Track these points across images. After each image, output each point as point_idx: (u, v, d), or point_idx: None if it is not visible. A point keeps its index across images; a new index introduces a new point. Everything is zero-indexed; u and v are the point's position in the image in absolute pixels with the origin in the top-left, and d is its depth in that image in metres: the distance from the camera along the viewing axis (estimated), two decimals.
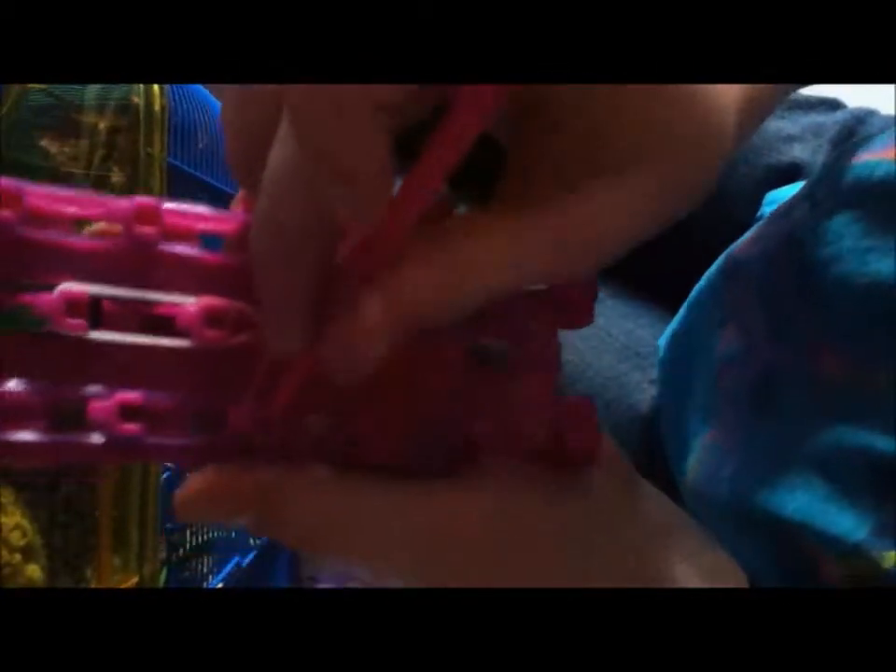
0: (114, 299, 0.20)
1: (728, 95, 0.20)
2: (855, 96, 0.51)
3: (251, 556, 0.92)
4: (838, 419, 0.26)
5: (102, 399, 0.19)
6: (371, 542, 0.21)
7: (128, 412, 0.19)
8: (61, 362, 0.19)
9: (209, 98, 0.75)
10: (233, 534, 0.88)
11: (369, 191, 0.17)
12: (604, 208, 0.19)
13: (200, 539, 0.79)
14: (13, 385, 0.19)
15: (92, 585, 0.56)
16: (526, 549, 0.22)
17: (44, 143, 0.59)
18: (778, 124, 0.49)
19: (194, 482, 0.20)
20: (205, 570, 0.81)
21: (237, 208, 0.22)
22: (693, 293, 0.36)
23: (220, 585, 0.82)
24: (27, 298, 0.19)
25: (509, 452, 0.22)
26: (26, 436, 0.18)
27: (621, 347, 0.45)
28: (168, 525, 0.69)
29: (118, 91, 0.61)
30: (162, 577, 0.66)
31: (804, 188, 0.30)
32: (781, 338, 0.29)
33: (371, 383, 0.19)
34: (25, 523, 0.52)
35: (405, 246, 0.18)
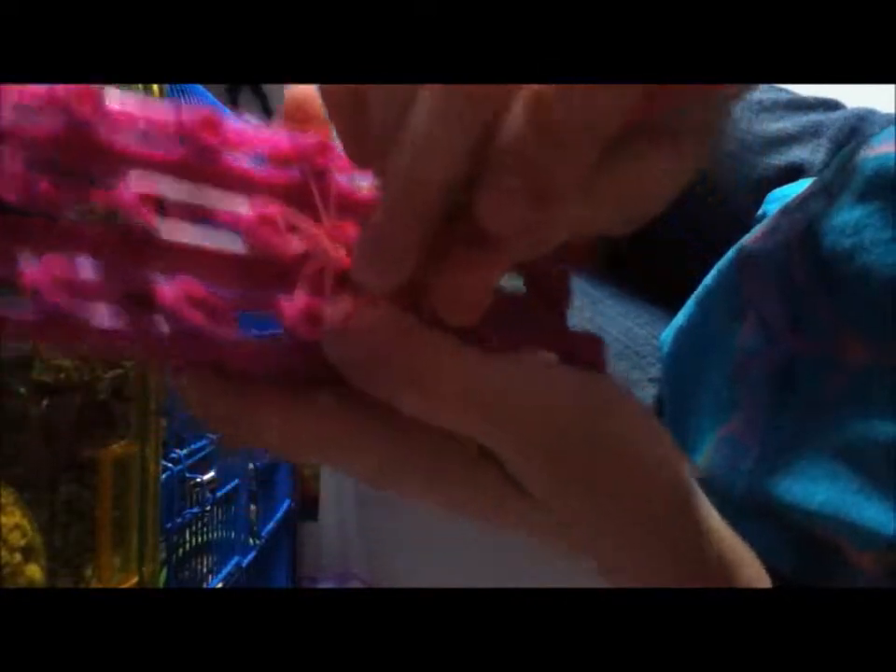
0: (180, 200, 0.20)
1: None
2: (855, 96, 0.51)
3: (251, 556, 0.92)
4: (864, 409, 0.26)
5: (169, 286, 0.20)
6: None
7: (192, 302, 0.20)
8: (127, 251, 0.20)
9: (209, 98, 0.75)
10: (233, 534, 0.88)
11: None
12: (662, 171, 0.20)
13: (200, 539, 0.79)
14: (87, 268, 0.19)
15: (92, 585, 0.56)
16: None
17: None
18: (778, 124, 0.49)
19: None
20: (205, 570, 0.81)
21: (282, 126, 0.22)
22: (702, 289, 0.36)
23: (220, 585, 0.82)
24: (102, 191, 0.20)
25: None
26: (102, 316, 0.19)
27: (620, 346, 0.45)
28: (168, 525, 0.69)
29: None
30: (162, 577, 0.66)
31: (817, 181, 0.30)
32: (803, 328, 0.29)
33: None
34: (25, 523, 0.52)
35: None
